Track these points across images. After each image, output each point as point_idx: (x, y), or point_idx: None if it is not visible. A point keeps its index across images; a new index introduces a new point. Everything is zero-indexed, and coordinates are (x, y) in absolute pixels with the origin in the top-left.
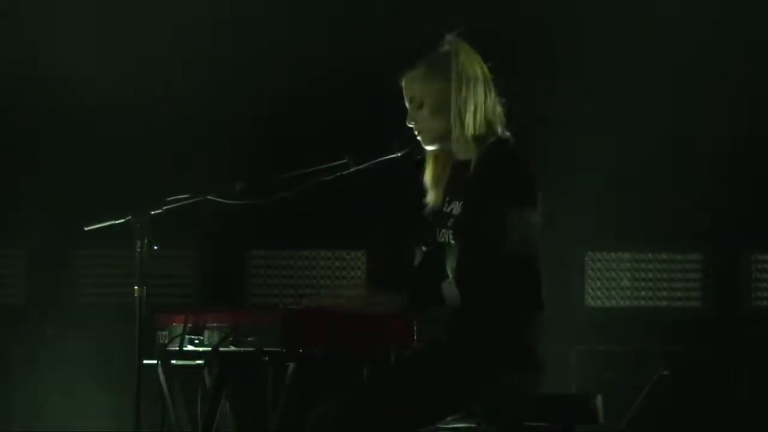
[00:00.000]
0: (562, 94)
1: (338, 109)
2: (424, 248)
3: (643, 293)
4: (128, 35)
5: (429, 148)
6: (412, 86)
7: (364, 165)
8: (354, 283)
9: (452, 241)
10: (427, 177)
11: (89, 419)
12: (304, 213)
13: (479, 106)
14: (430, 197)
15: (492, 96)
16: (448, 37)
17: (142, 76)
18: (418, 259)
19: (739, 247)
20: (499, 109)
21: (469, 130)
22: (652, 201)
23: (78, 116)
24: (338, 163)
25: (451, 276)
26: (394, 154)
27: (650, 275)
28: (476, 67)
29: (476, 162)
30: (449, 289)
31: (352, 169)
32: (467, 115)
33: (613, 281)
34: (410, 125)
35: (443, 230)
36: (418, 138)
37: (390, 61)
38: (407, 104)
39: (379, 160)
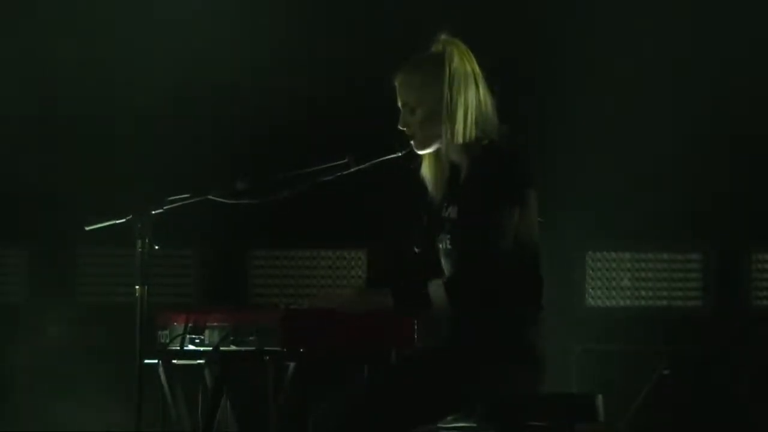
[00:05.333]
0: (563, 94)
1: (338, 109)
2: (416, 249)
3: (643, 293)
4: (128, 35)
5: (421, 152)
6: (406, 92)
7: (365, 164)
8: (351, 285)
9: (449, 246)
10: (428, 173)
11: (90, 419)
12: (304, 212)
13: (470, 111)
14: (432, 193)
15: (483, 94)
16: (443, 37)
17: (142, 75)
18: (408, 260)
19: (740, 247)
20: (490, 105)
21: (459, 136)
22: (653, 201)
23: (80, 116)
24: (339, 162)
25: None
26: (395, 153)
27: (650, 275)
28: (468, 68)
29: (468, 165)
30: (436, 289)
31: (352, 169)
32: (458, 122)
33: (614, 281)
34: (402, 129)
35: (441, 235)
36: (411, 142)
37: (390, 60)
38: (400, 106)
39: (380, 159)
